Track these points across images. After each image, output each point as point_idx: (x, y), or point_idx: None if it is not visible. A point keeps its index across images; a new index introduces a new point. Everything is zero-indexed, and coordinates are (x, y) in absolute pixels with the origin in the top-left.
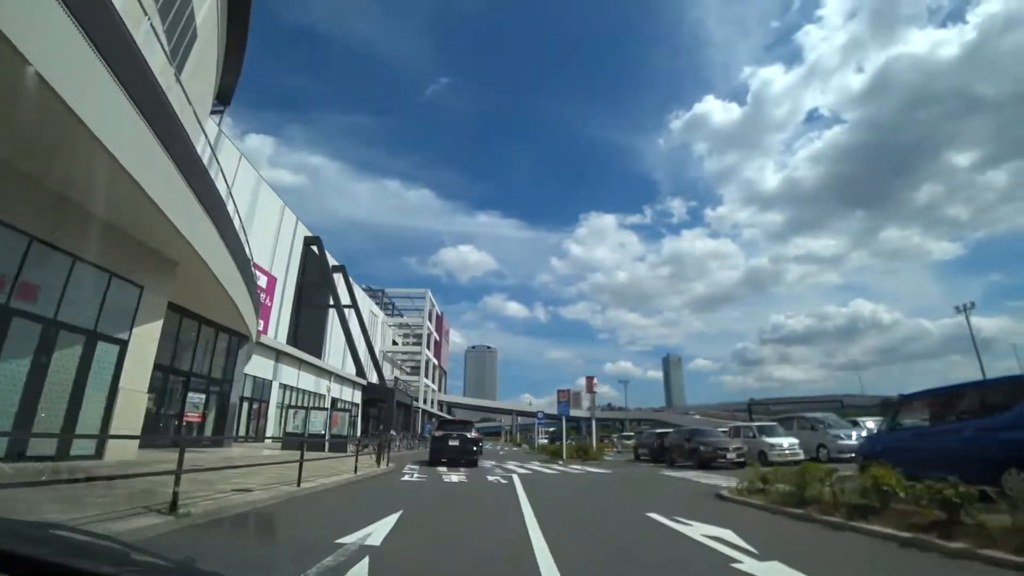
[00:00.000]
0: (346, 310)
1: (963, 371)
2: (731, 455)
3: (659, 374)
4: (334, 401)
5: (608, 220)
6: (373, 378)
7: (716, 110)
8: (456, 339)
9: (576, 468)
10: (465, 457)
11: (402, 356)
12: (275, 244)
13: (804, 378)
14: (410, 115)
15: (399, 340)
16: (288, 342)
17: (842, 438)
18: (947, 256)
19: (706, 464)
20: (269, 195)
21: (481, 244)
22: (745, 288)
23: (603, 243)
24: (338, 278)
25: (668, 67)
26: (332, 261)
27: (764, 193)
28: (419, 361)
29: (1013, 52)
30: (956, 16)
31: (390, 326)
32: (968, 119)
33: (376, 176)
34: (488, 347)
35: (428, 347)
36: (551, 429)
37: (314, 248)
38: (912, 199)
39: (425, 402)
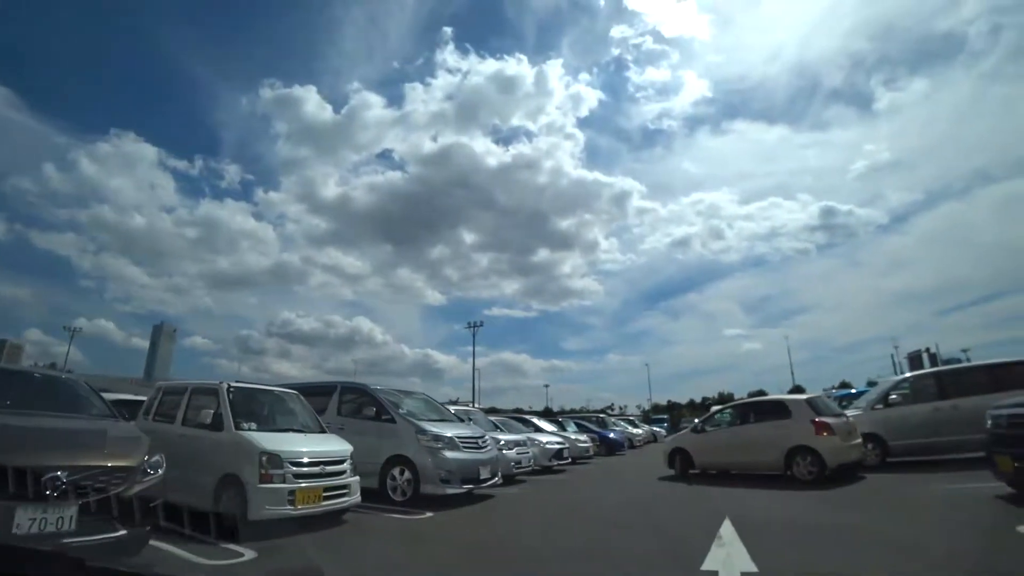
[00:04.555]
0: None
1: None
2: None
3: (146, 343)
4: None
5: (147, 151)
6: None
7: (313, 103)
8: None
9: None
10: None
11: None
12: None
13: (299, 375)
14: None
15: None
16: None
17: (447, 447)
18: (434, 303)
19: None
20: None
21: None
22: (269, 278)
23: (130, 174)
24: None
25: (286, 36)
26: None
27: (320, 198)
28: None
29: (520, 183)
30: (506, 142)
31: None
32: (482, 212)
33: None
34: None
35: None
36: None
37: None
38: (428, 252)
39: None
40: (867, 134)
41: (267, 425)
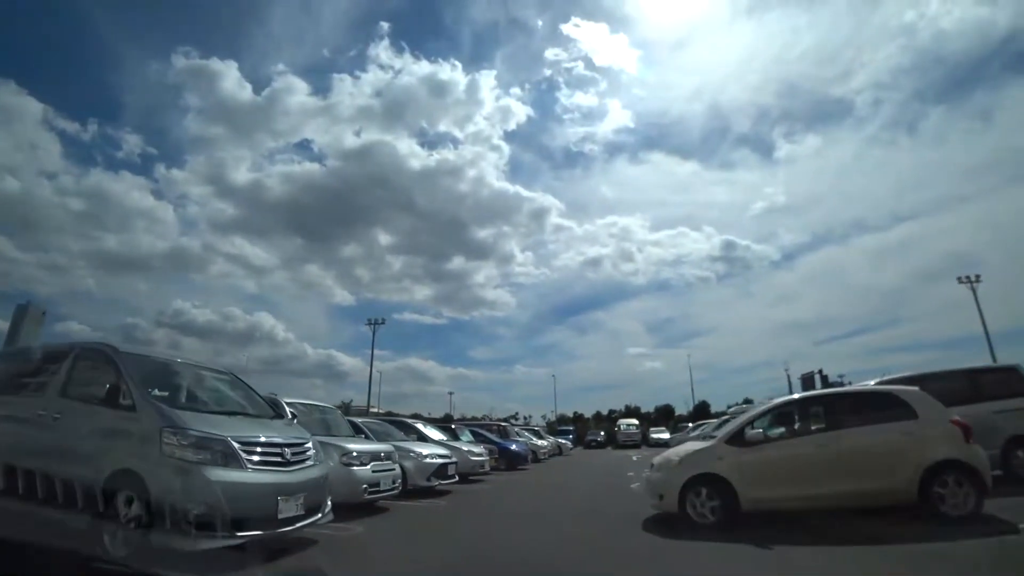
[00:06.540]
0: None
1: (318, 392)
2: None
3: (4, 324)
4: None
5: (31, 105)
6: None
7: (231, 79)
8: None
9: None
10: None
11: None
12: None
13: None
14: None
15: None
16: None
17: (215, 461)
18: (343, 302)
19: None
20: None
21: None
22: (164, 263)
23: (5, 129)
24: None
25: (208, 3)
26: None
27: (230, 182)
28: None
29: (442, 189)
30: (431, 146)
31: None
32: (400, 214)
33: None
34: None
35: None
36: None
37: None
38: (340, 250)
39: None
40: (767, 178)
41: None
